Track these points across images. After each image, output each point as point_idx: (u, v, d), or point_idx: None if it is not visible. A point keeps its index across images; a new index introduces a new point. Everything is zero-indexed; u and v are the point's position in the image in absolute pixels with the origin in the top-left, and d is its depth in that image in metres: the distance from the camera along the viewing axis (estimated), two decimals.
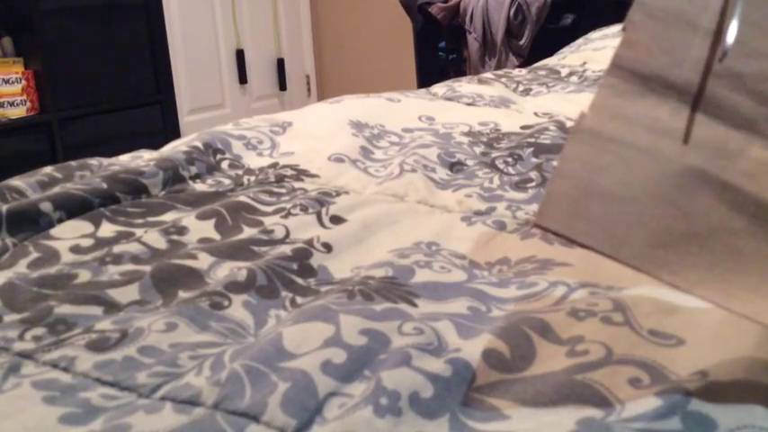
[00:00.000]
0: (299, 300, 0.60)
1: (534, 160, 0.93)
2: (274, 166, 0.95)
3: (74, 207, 0.78)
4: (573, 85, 1.47)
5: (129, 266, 0.66)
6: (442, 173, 0.92)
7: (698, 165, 0.41)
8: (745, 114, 0.41)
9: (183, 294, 0.61)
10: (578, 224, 0.42)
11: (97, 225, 0.75)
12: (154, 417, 0.44)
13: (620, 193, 0.42)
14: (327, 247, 0.69)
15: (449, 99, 1.32)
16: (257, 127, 1.07)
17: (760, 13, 0.42)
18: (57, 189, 0.82)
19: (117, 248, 0.69)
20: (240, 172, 0.94)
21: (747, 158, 0.40)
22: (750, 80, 0.41)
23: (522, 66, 2.20)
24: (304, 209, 0.78)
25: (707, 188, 0.40)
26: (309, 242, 0.69)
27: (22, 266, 0.67)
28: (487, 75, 1.56)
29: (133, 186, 0.84)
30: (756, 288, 0.39)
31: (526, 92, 1.43)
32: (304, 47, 3.68)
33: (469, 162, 0.95)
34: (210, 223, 0.75)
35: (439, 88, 1.41)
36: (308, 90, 3.74)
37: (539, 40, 2.46)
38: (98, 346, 0.52)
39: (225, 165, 0.96)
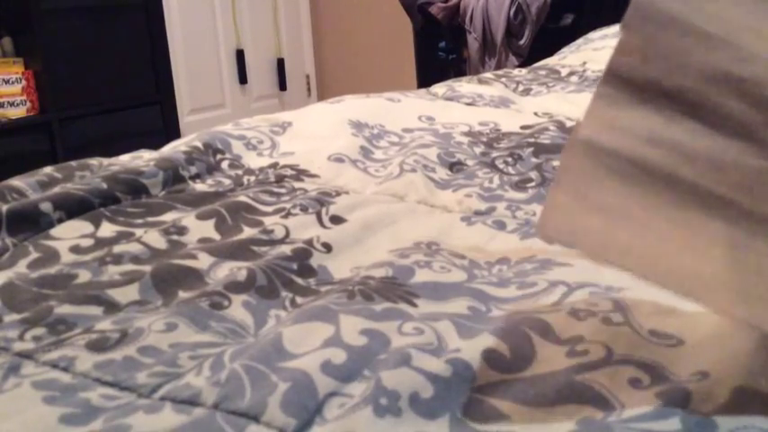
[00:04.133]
0: (299, 300, 0.60)
1: (534, 160, 0.93)
2: (274, 166, 0.95)
3: (74, 207, 0.78)
4: (573, 84, 1.47)
5: (129, 266, 0.66)
6: (442, 173, 0.92)
7: (690, 178, 0.40)
8: (741, 121, 0.40)
9: (182, 294, 0.61)
10: (580, 236, 0.42)
11: (97, 225, 0.75)
12: (154, 417, 0.44)
13: (617, 205, 0.41)
14: (327, 247, 0.69)
15: (449, 99, 1.32)
16: (257, 127, 1.07)
17: (755, 16, 0.41)
18: (57, 189, 0.82)
19: (117, 248, 0.69)
20: (240, 172, 0.94)
21: (742, 170, 0.40)
22: (748, 85, 0.40)
23: (521, 66, 2.20)
24: (304, 209, 0.78)
25: (700, 202, 0.40)
26: (309, 242, 0.69)
27: (21, 266, 0.67)
28: (487, 75, 1.56)
29: (133, 186, 0.84)
30: (760, 296, 0.39)
31: (526, 92, 1.43)
32: (304, 47, 3.68)
33: (469, 162, 0.95)
34: (210, 223, 0.75)
35: (439, 88, 1.41)
36: (308, 90, 3.74)
37: (539, 40, 2.47)
38: (98, 346, 0.52)
39: (225, 165, 0.96)
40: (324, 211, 0.78)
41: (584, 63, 1.66)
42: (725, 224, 0.39)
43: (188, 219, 0.76)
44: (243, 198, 0.81)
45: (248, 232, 0.73)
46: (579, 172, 0.41)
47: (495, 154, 0.97)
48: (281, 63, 3.53)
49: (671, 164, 0.40)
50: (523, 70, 1.65)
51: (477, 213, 0.80)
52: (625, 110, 0.41)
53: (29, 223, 0.74)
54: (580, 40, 2.04)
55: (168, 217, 0.78)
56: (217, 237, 0.73)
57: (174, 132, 2.67)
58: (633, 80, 0.42)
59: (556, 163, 0.92)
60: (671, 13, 0.42)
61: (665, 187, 0.40)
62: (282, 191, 0.85)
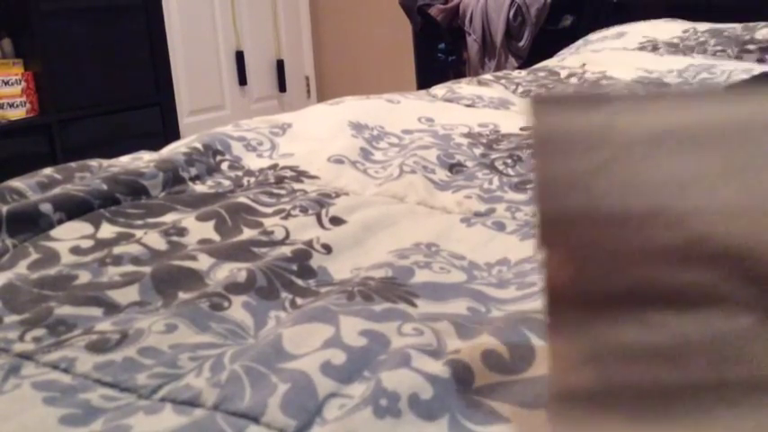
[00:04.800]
0: (298, 301, 0.60)
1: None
2: (274, 167, 0.95)
3: (74, 208, 0.78)
4: (572, 86, 1.47)
5: (129, 267, 0.66)
6: (442, 174, 0.92)
7: (679, 381, 0.35)
8: (699, 287, 0.35)
9: (182, 295, 0.61)
10: None
11: (97, 226, 0.75)
12: (154, 418, 0.44)
13: None
14: (327, 248, 0.69)
15: (448, 100, 1.32)
16: (257, 128, 1.07)
17: (703, 164, 0.35)
18: (57, 190, 0.82)
19: (117, 250, 0.69)
20: (240, 173, 0.94)
21: (716, 340, 0.34)
22: (692, 246, 0.34)
23: (521, 67, 2.20)
24: (304, 210, 0.78)
25: (692, 404, 0.34)
26: (309, 243, 0.69)
27: (22, 267, 0.67)
28: (487, 76, 1.56)
29: (133, 188, 0.84)
30: None
31: (525, 93, 1.43)
32: (304, 48, 3.68)
33: (469, 163, 0.96)
34: (210, 224, 0.75)
35: (438, 90, 1.41)
36: (308, 91, 3.74)
37: (538, 42, 2.47)
38: (98, 347, 0.52)
39: (225, 166, 0.96)
40: (324, 212, 0.78)
41: (584, 65, 1.66)
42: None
43: (188, 220, 0.76)
44: (243, 199, 0.81)
45: (248, 233, 0.73)
46: None
47: (494, 155, 0.97)
48: (280, 64, 3.53)
49: (654, 375, 0.35)
50: (523, 72, 1.65)
51: (477, 214, 0.80)
52: (585, 334, 0.36)
53: (29, 224, 0.74)
54: (579, 42, 2.04)
55: (168, 218, 0.78)
56: (217, 238, 0.73)
57: (173, 134, 2.66)
58: (576, 303, 0.37)
59: None
60: (585, 207, 0.35)
61: (660, 403, 0.35)
62: (282, 192, 0.85)
